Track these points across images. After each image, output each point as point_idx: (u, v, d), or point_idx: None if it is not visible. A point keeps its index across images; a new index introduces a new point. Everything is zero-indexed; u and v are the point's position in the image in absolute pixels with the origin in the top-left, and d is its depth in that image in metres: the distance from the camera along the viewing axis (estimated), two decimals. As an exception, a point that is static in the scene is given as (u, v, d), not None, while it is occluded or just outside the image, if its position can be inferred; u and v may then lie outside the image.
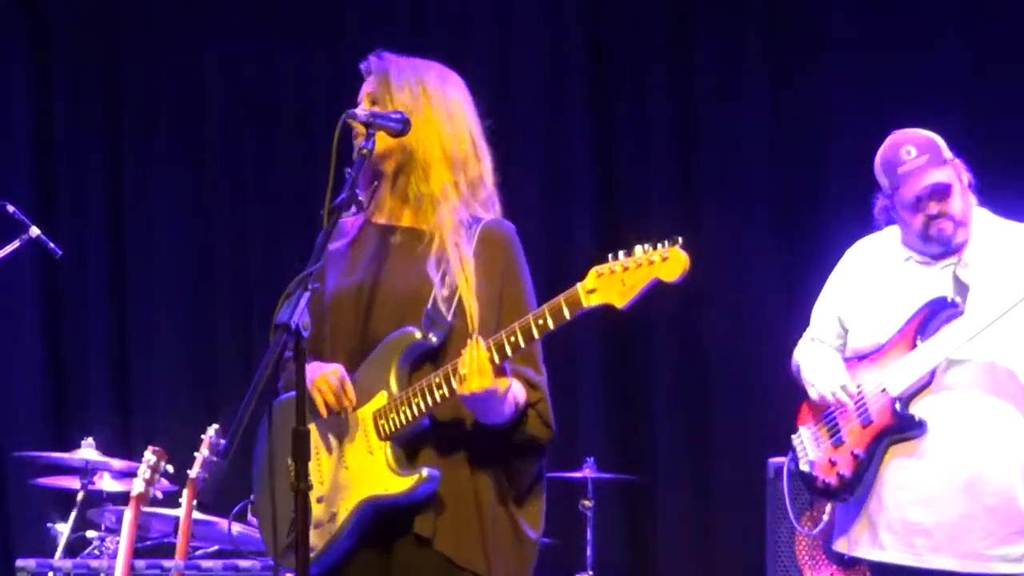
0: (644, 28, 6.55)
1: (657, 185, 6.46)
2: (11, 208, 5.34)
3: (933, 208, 3.96)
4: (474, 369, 3.10)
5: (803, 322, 4.33)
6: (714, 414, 6.11)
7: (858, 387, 4.02)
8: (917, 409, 3.94)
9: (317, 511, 3.25)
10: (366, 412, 3.25)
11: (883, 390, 3.96)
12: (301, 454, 3.01)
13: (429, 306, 3.26)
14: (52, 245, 5.39)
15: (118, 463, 5.51)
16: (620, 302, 3.07)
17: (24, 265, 5.62)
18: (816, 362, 4.14)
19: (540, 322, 3.12)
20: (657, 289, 3.03)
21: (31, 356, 6.81)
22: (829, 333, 4.20)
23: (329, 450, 3.30)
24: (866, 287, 4.15)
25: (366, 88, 3.42)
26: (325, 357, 3.33)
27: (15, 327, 6.78)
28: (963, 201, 3.99)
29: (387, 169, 3.38)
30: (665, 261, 3.03)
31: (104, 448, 5.58)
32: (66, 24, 6.97)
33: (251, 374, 3.12)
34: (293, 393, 3.17)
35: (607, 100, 6.50)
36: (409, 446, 3.24)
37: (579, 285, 3.09)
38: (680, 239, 3.02)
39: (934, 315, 3.97)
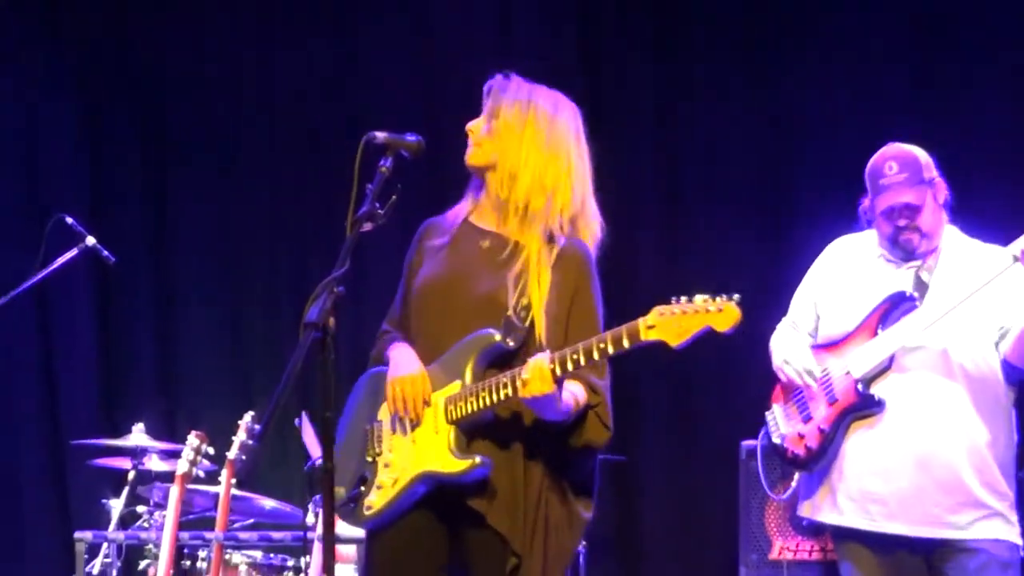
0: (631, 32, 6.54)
1: (645, 184, 6.46)
2: (70, 220, 5.35)
3: (902, 221, 3.99)
4: (536, 377, 3.14)
5: (775, 319, 4.34)
6: (693, 402, 6.12)
7: (825, 370, 4.04)
8: (877, 390, 3.96)
9: (382, 475, 3.31)
10: (439, 397, 3.29)
11: (847, 372, 3.98)
12: (328, 439, 3.03)
13: (510, 313, 3.30)
14: (106, 252, 5.39)
15: (164, 446, 5.53)
16: (674, 342, 3.12)
17: (80, 271, 5.61)
18: (787, 348, 4.17)
19: (601, 346, 3.17)
20: (708, 336, 3.10)
21: (88, 354, 6.83)
22: (806, 319, 4.23)
23: (401, 424, 3.32)
24: (840, 280, 4.17)
25: (486, 104, 3.45)
26: (409, 336, 3.41)
27: (74, 329, 6.81)
28: (933, 217, 4.02)
29: (487, 178, 3.44)
30: (720, 313, 3.10)
31: (152, 433, 5.60)
32: (111, 48, 6.98)
33: (281, 368, 3.14)
34: (377, 369, 3.39)
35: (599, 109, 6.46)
36: (470, 433, 3.28)
37: (640, 320, 3.14)
38: (737, 296, 3.09)
39: (894, 307, 3.99)
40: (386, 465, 3.30)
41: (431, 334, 3.37)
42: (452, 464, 3.23)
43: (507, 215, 3.40)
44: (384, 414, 3.35)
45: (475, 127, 3.44)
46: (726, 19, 6.41)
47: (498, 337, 3.27)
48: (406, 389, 3.27)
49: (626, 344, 3.16)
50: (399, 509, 3.27)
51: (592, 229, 3.44)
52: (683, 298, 3.13)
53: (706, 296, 3.12)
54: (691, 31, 6.54)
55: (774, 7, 6.32)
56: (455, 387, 3.27)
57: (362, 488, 3.32)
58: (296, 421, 3.44)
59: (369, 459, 3.33)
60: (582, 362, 3.17)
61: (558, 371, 3.16)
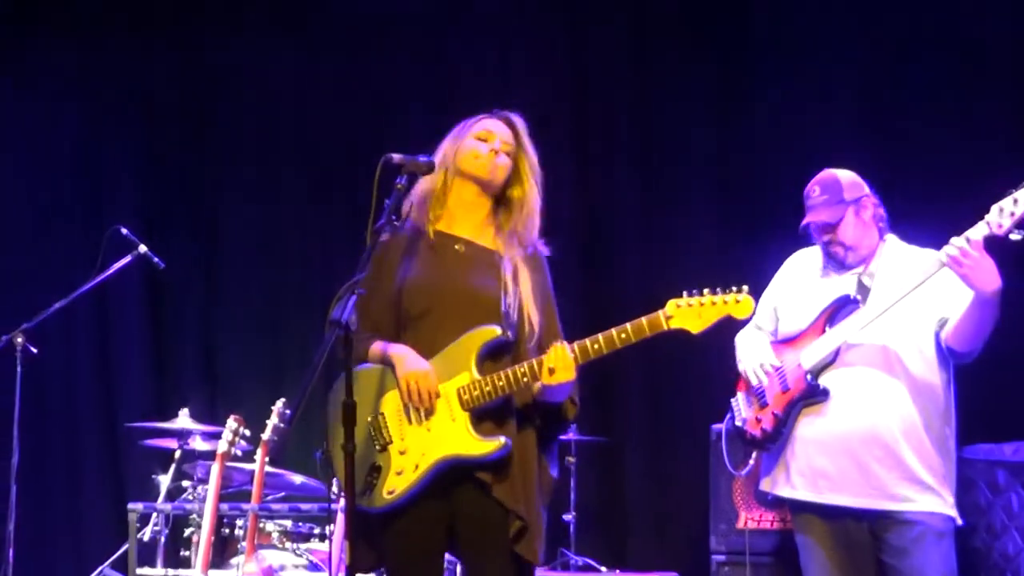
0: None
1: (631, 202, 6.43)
2: (124, 231, 5.37)
3: (825, 237, 4.04)
4: (562, 366, 3.20)
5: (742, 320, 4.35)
6: (669, 391, 6.11)
7: (780, 363, 4.05)
8: (824, 380, 3.97)
9: (399, 462, 3.28)
10: (450, 387, 3.29)
11: (799, 365, 3.99)
12: (349, 422, 3.08)
13: (504, 309, 3.33)
14: (156, 259, 5.41)
15: (207, 428, 5.53)
16: (696, 329, 3.27)
17: (133, 275, 5.62)
18: (748, 346, 4.19)
19: (623, 336, 3.27)
20: (724, 321, 3.27)
21: (140, 348, 6.83)
22: (767, 321, 4.24)
23: (413, 415, 3.30)
24: (795, 287, 4.19)
25: (503, 136, 3.47)
26: (389, 334, 3.38)
27: (128, 326, 6.81)
28: (855, 231, 4.03)
29: (478, 194, 3.46)
30: (739, 304, 3.28)
31: (196, 417, 5.59)
32: (165, 70, 6.94)
33: (310, 361, 3.17)
34: (365, 366, 3.33)
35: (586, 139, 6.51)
36: (481, 416, 3.29)
37: (660, 313, 3.26)
38: (747, 287, 3.26)
39: (840, 309, 4.00)
40: (401, 452, 3.28)
41: (423, 329, 3.36)
42: (478, 447, 3.24)
43: (492, 229, 3.45)
44: (387, 406, 3.32)
45: (505, 149, 3.46)
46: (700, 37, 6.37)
47: (499, 331, 3.29)
48: (420, 382, 3.26)
49: (647, 333, 3.26)
50: (418, 491, 3.26)
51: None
52: (694, 291, 3.28)
53: (718, 289, 3.29)
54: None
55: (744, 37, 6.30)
56: (464, 378, 3.28)
57: (375, 476, 3.29)
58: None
59: (378, 448, 3.31)
60: (604, 351, 3.25)
61: (580, 359, 3.23)
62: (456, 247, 3.42)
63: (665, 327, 3.25)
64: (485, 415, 3.28)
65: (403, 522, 3.30)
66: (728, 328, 4.30)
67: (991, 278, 3.70)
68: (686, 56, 6.42)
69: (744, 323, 3.25)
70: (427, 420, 3.27)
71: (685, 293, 3.30)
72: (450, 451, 3.25)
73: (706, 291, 3.28)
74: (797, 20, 6.14)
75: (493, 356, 3.30)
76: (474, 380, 3.27)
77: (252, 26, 6.81)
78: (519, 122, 3.52)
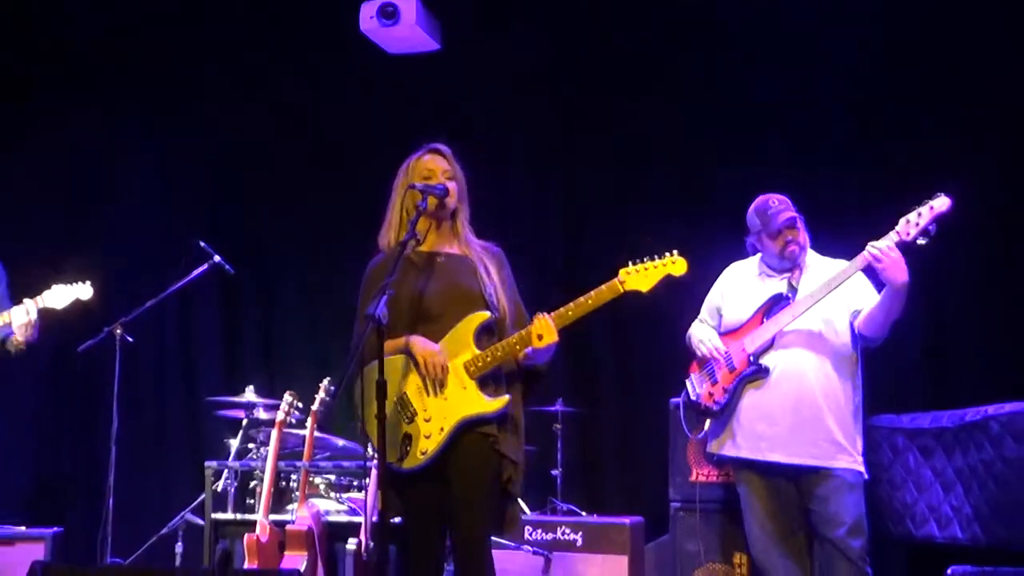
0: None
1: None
2: (202, 243, 5.38)
3: (790, 236, 4.03)
4: (547, 331, 3.24)
5: (694, 313, 4.38)
6: (637, 373, 6.06)
7: (727, 349, 4.05)
8: (764, 361, 3.97)
9: (426, 428, 3.27)
10: (457, 363, 3.29)
11: (743, 349, 4.01)
12: (382, 396, 3.10)
13: (487, 298, 3.35)
14: (227, 266, 5.41)
15: (267, 401, 5.54)
16: (645, 287, 3.30)
17: (209, 279, 5.60)
18: (702, 334, 4.19)
19: (588, 301, 3.31)
20: (664, 283, 3.29)
21: (214, 337, 6.83)
22: (712, 317, 4.25)
23: (431, 388, 3.29)
24: (736, 289, 4.21)
25: (443, 165, 3.47)
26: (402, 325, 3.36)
27: (205, 321, 6.81)
28: (804, 236, 4.06)
29: (449, 216, 3.47)
30: (675, 264, 3.32)
31: (259, 392, 5.62)
32: (231, 109, 6.85)
33: (349, 347, 3.16)
34: (390, 355, 3.28)
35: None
36: (484, 381, 3.30)
37: (615, 280, 3.30)
38: (677, 251, 3.31)
39: (775, 304, 4.03)
40: (427, 420, 3.27)
41: (429, 320, 3.34)
42: (489, 405, 3.26)
43: (457, 239, 3.46)
44: (409, 387, 3.31)
45: (448, 182, 3.46)
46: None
47: (489, 314, 3.32)
48: (436, 360, 3.27)
49: (607, 297, 3.29)
50: (445, 448, 3.25)
51: None
52: (637, 260, 3.30)
53: (655, 256, 3.31)
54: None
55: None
56: (468, 354, 3.29)
57: (408, 443, 3.28)
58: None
59: (406, 421, 3.29)
60: (577, 315, 3.28)
61: (558, 325, 3.27)
62: (438, 260, 3.43)
63: (621, 290, 3.28)
64: (488, 381, 3.30)
65: (421, 476, 3.29)
66: (681, 323, 4.35)
67: (902, 273, 3.76)
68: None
69: (681, 280, 3.26)
70: (443, 391, 3.28)
71: (631, 263, 3.32)
72: (468, 411, 3.25)
73: (646, 259, 3.32)
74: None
75: (486, 334, 3.33)
76: (476, 354, 3.28)
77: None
78: (446, 150, 3.52)
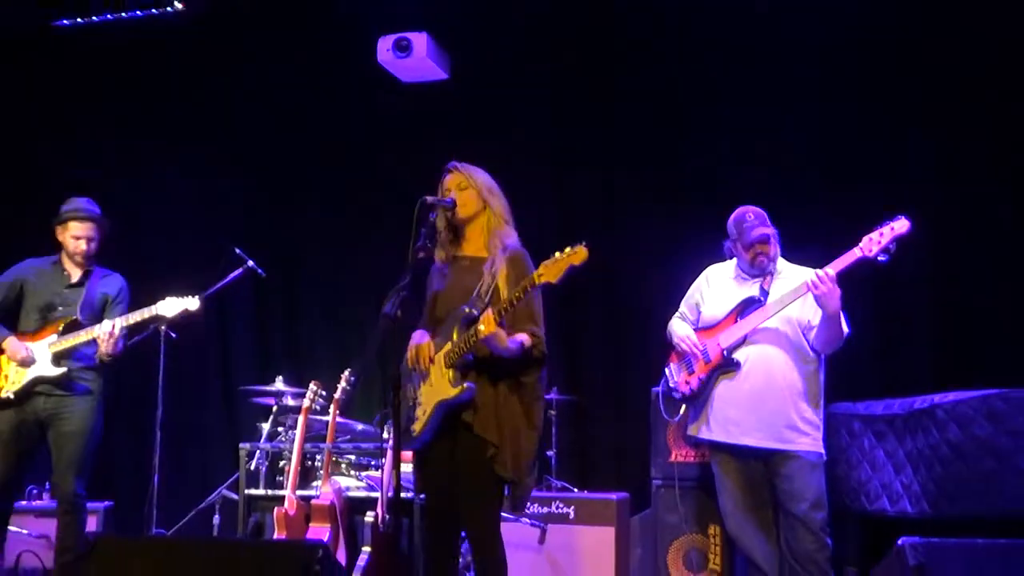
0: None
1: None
2: (237, 250, 5.35)
3: (760, 249, 4.01)
4: (487, 324, 3.13)
5: (675, 308, 4.36)
6: (622, 365, 6.02)
7: (704, 343, 4.04)
8: (736, 355, 3.96)
9: (417, 411, 3.28)
10: (440, 354, 3.28)
11: (718, 344, 3.99)
12: (397, 386, 3.15)
13: (473, 296, 3.31)
14: (259, 270, 5.39)
15: (295, 390, 5.50)
16: (553, 277, 3.08)
17: (244, 282, 5.57)
18: (681, 331, 4.18)
19: (517, 294, 3.18)
20: (578, 271, 3.06)
21: (248, 334, 6.81)
22: (691, 313, 4.24)
23: (422, 376, 3.31)
24: (713, 290, 4.19)
25: (455, 181, 3.41)
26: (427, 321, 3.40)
27: (240, 319, 6.79)
28: (774, 249, 4.02)
29: (476, 218, 3.42)
30: (576, 254, 3.06)
31: (287, 382, 5.58)
32: (263, 133, 6.86)
33: (366, 342, 3.12)
34: None
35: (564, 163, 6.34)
36: (463, 372, 3.26)
37: (534, 273, 3.13)
38: (584, 242, 3.05)
39: (748, 306, 4.02)
40: (418, 404, 3.30)
41: (442, 317, 3.37)
42: (451, 391, 3.23)
43: (484, 244, 3.41)
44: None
45: (461, 194, 3.40)
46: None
47: (467, 309, 3.27)
48: (420, 351, 3.28)
49: (528, 287, 3.14)
50: (430, 430, 3.25)
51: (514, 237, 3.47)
52: (556, 252, 3.10)
53: (565, 247, 3.09)
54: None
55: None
56: (448, 345, 3.27)
57: (407, 424, 3.31)
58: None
59: (411, 404, 3.32)
60: (508, 309, 3.17)
61: (497, 317, 3.16)
62: (463, 263, 3.42)
63: (538, 282, 3.10)
64: (468, 370, 3.26)
65: (428, 458, 3.31)
66: (661, 321, 4.33)
67: (833, 303, 3.74)
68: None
69: (582, 267, 3.06)
70: (430, 378, 3.28)
71: (551, 255, 3.15)
72: (439, 397, 3.25)
73: (556, 252, 3.12)
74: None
75: (469, 327, 3.26)
76: (452, 345, 3.26)
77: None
78: (458, 165, 3.46)
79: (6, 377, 4.43)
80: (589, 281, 5.87)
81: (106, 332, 4.36)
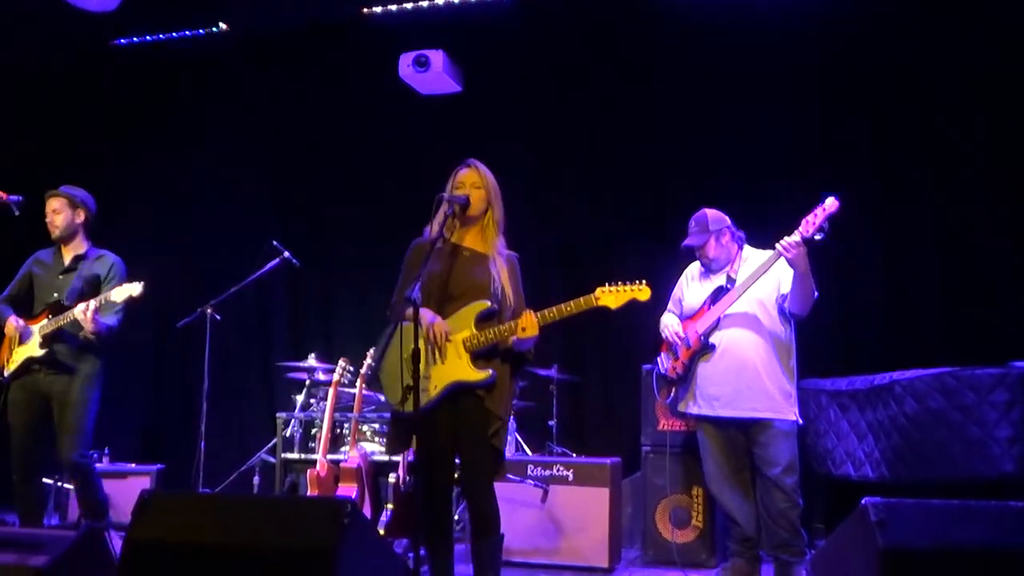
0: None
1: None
2: (275, 243, 5.34)
3: (698, 254, 4.00)
4: (530, 326, 3.16)
5: (665, 304, 4.31)
6: (618, 346, 5.98)
7: (685, 333, 4.02)
8: (712, 339, 3.94)
9: (425, 384, 3.23)
10: (457, 338, 3.24)
11: (696, 330, 3.97)
12: (416, 362, 3.06)
13: (493, 291, 3.28)
14: (295, 260, 5.37)
15: (325, 365, 5.51)
16: (614, 305, 3.20)
17: (281, 271, 5.55)
18: (667, 322, 4.16)
19: (568, 307, 3.20)
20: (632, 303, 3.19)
21: (284, 316, 6.80)
22: (676, 306, 4.21)
23: (435, 354, 3.25)
24: (691, 283, 4.17)
25: (472, 178, 3.37)
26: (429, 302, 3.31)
27: (277, 303, 6.78)
28: (716, 250, 4.02)
29: (479, 218, 3.39)
30: (640, 291, 3.21)
31: (319, 358, 5.59)
32: (295, 137, 6.84)
33: (389, 322, 3.12)
34: (401, 323, 3.21)
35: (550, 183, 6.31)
36: (477, 356, 3.25)
37: (592, 295, 3.19)
38: (645, 281, 3.21)
39: (718, 294, 3.98)
40: (426, 377, 3.24)
41: (448, 300, 3.30)
42: (476, 375, 3.22)
43: (485, 239, 3.38)
44: (422, 353, 3.24)
45: (474, 192, 3.37)
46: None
47: (489, 304, 3.26)
48: (440, 330, 3.22)
49: (584, 307, 3.20)
50: (434, 402, 3.23)
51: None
52: (614, 283, 3.20)
53: (628, 281, 3.21)
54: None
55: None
56: (467, 332, 3.24)
57: (409, 393, 3.20)
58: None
59: (411, 376, 3.23)
60: (557, 318, 3.19)
61: (541, 322, 3.18)
62: (464, 253, 3.38)
63: (595, 304, 3.18)
64: (480, 356, 3.25)
65: (429, 423, 3.26)
66: (653, 312, 4.31)
67: (803, 262, 3.71)
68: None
69: (645, 304, 3.19)
70: (443, 358, 3.24)
71: (608, 283, 3.24)
72: (458, 377, 3.23)
73: (620, 283, 3.23)
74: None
75: (485, 319, 3.27)
76: (473, 333, 3.24)
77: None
78: (476, 164, 3.42)
79: (10, 356, 4.33)
80: (586, 290, 5.87)
81: (82, 312, 4.23)
